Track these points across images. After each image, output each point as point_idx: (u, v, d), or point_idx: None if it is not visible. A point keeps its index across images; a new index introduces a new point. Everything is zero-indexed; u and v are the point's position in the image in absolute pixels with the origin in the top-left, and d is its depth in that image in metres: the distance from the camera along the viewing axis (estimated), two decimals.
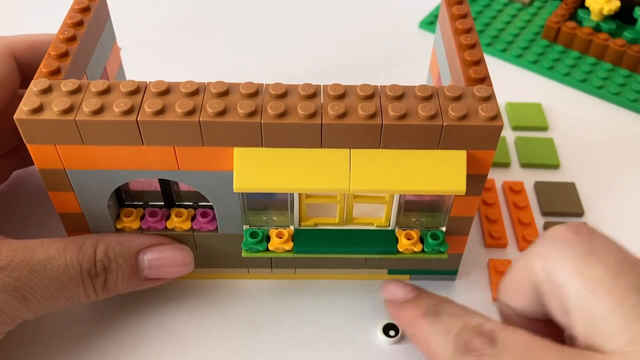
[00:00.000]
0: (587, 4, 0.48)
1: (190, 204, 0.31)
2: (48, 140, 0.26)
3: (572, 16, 0.50)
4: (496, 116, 0.25)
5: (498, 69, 0.48)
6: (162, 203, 0.31)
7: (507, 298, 0.27)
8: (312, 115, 0.25)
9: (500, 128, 0.25)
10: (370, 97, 0.26)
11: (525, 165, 0.40)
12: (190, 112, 0.25)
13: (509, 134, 0.42)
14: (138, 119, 0.25)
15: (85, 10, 0.30)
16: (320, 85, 0.26)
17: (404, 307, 0.28)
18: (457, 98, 0.26)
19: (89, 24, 0.30)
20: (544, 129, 0.43)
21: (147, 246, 0.29)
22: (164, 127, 0.25)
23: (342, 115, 0.25)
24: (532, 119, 0.43)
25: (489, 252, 0.35)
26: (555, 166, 0.40)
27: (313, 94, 0.26)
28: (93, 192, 0.28)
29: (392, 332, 0.31)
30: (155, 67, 0.47)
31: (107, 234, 0.30)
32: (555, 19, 0.49)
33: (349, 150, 0.26)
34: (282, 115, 0.25)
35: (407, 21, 0.52)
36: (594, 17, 0.48)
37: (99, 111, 0.25)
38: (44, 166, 0.27)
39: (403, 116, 0.25)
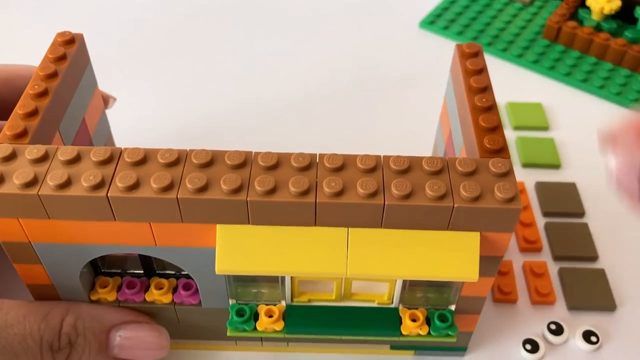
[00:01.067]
0: (587, 3, 0.47)
1: (172, 272, 0.28)
2: (9, 214, 0.23)
3: (573, 16, 0.49)
4: (514, 197, 0.22)
5: (498, 68, 0.47)
6: (142, 271, 0.28)
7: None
8: (305, 193, 0.22)
9: (518, 211, 0.22)
10: (371, 170, 0.23)
11: (526, 165, 0.39)
12: (168, 188, 0.22)
13: (509, 134, 0.41)
14: (109, 195, 0.22)
15: (61, 59, 0.27)
16: (316, 155, 0.24)
17: None
18: (470, 174, 0.23)
19: (64, 75, 0.27)
20: (545, 129, 0.42)
21: (121, 322, 0.26)
22: (137, 204, 0.22)
23: (339, 193, 0.22)
24: (533, 119, 0.42)
25: None
26: (556, 166, 0.39)
27: (307, 165, 0.23)
28: (63, 265, 0.25)
29: None
30: (147, 84, 0.44)
31: (80, 303, 0.27)
32: (555, 18, 0.48)
33: (346, 229, 0.23)
34: (271, 192, 0.22)
35: (407, 21, 0.51)
36: (595, 17, 0.47)
37: (65, 185, 0.22)
38: (7, 239, 0.24)
39: (408, 195, 0.22)
